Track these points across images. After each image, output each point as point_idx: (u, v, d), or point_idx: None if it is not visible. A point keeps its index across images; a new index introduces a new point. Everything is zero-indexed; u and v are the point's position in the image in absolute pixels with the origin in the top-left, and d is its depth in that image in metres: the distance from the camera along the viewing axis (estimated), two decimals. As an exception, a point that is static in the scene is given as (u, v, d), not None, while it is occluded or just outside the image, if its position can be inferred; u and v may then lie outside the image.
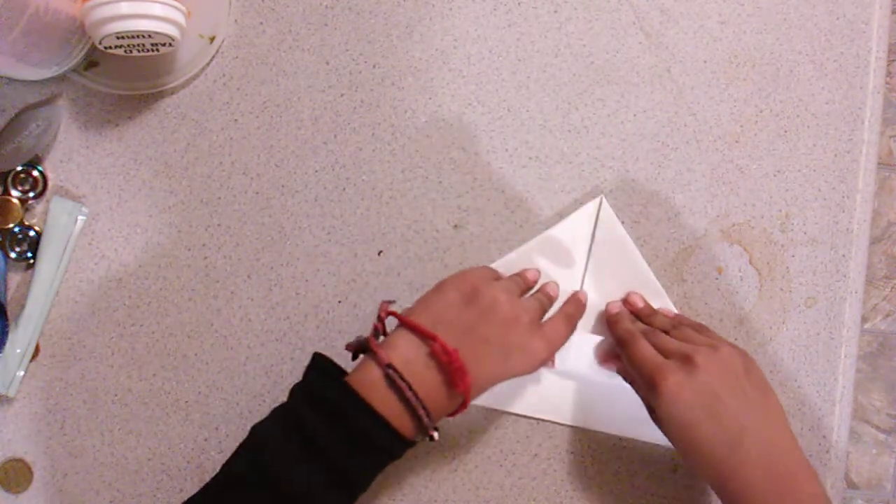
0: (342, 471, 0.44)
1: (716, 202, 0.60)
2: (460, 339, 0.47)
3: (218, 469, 0.47)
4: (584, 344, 0.58)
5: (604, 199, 0.58)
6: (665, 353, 0.50)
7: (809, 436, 0.60)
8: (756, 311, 0.60)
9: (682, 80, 0.59)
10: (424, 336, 0.46)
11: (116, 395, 0.57)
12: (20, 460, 0.56)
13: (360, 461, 0.45)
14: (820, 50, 0.60)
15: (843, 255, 0.60)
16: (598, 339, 0.58)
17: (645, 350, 0.51)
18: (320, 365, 0.48)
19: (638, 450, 0.59)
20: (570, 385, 0.58)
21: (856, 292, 0.60)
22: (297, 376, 0.57)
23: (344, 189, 0.58)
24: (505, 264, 0.57)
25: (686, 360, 0.49)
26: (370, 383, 0.45)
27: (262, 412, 0.57)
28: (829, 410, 0.60)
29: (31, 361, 0.56)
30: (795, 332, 0.60)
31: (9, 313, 0.55)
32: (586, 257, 0.58)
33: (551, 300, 0.54)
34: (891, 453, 1.46)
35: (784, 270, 0.60)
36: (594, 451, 0.59)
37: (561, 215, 0.58)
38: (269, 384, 0.57)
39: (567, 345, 0.53)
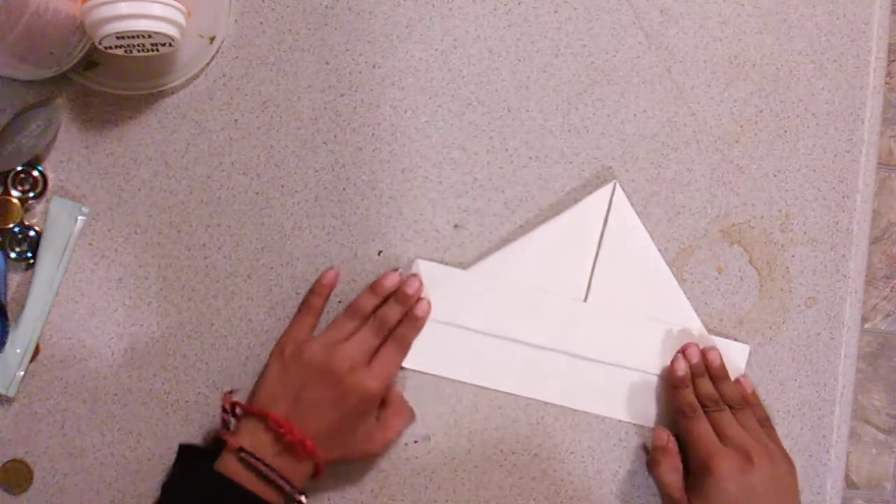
0: None
1: (716, 202, 0.60)
2: (292, 408, 0.51)
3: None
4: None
5: (617, 185, 0.58)
6: (723, 437, 0.53)
7: (809, 436, 0.60)
8: (756, 311, 0.60)
9: (682, 80, 0.59)
10: (260, 416, 0.51)
11: (116, 395, 0.57)
12: (20, 460, 0.56)
13: None
14: (820, 50, 0.60)
15: (843, 255, 0.60)
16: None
17: (706, 431, 0.54)
18: (186, 457, 0.53)
19: (638, 450, 0.59)
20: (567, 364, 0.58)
21: (856, 292, 0.60)
22: (297, 376, 0.57)
23: (344, 189, 0.58)
24: (513, 251, 0.57)
25: (745, 456, 0.52)
26: (233, 469, 0.50)
27: (262, 412, 0.57)
28: (829, 410, 0.60)
29: (31, 361, 0.56)
30: (795, 332, 0.60)
31: (9, 313, 0.55)
32: (597, 245, 0.57)
33: (390, 318, 0.55)
34: (891, 453, 1.46)
35: (784, 270, 0.60)
36: (594, 451, 0.59)
37: (561, 215, 0.58)
38: (269, 384, 0.57)
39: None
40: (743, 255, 0.60)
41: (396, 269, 0.56)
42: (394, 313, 0.55)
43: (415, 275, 0.56)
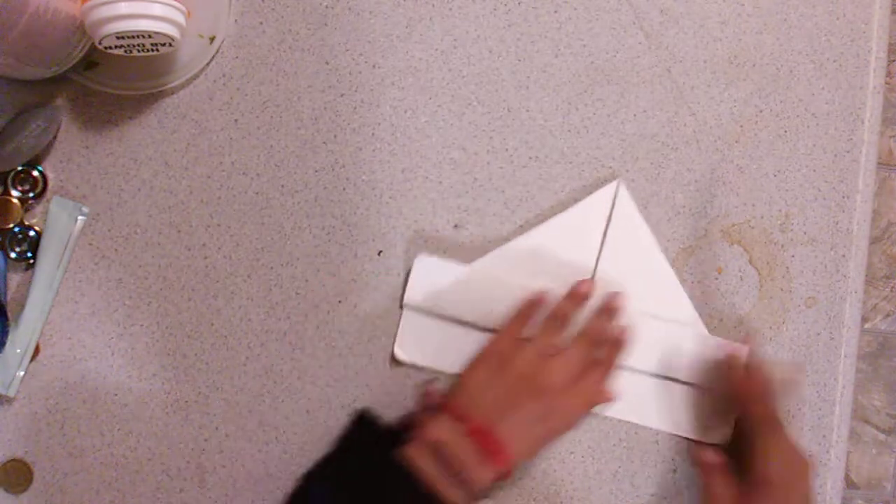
0: None
1: (716, 202, 0.60)
2: (496, 416, 0.50)
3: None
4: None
5: (621, 183, 0.58)
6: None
7: (809, 436, 0.60)
8: (756, 311, 0.60)
9: (682, 80, 0.59)
10: (462, 419, 0.50)
11: (116, 395, 0.57)
12: (20, 460, 0.56)
13: None
14: (820, 50, 0.60)
15: (843, 255, 0.60)
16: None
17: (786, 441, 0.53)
18: (365, 431, 0.53)
19: (638, 450, 0.59)
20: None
21: (856, 292, 0.60)
22: (297, 376, 0.57)
23: (344, 189, 0.58)
24: (516, 248, 0.57)
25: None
26: (422, 460, 0.48)
27: (263, 412, 0.57)
28: (829, 410, 0.60)
29: (31, 361, 0.56)
30: (795, 332, 0.60)
31: (9, 313, 0.55)
32: (600, 242, 0.58)
33: (598, 337, 0.55)
34: (891, 453, 1.46)
35: (784, 270, 0.60)
36: (594, 451, 0.59)
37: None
38: (269, 384, 0.57)
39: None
40: (743, 255, 0.60)
41: (590, 278, 0.57)
42: (602, 331, 0.55)
43: (618, 293, 0.55)
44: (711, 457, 0.54)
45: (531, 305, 0.54)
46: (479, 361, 0.53)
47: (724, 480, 0.53)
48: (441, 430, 0.49)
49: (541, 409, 0.51)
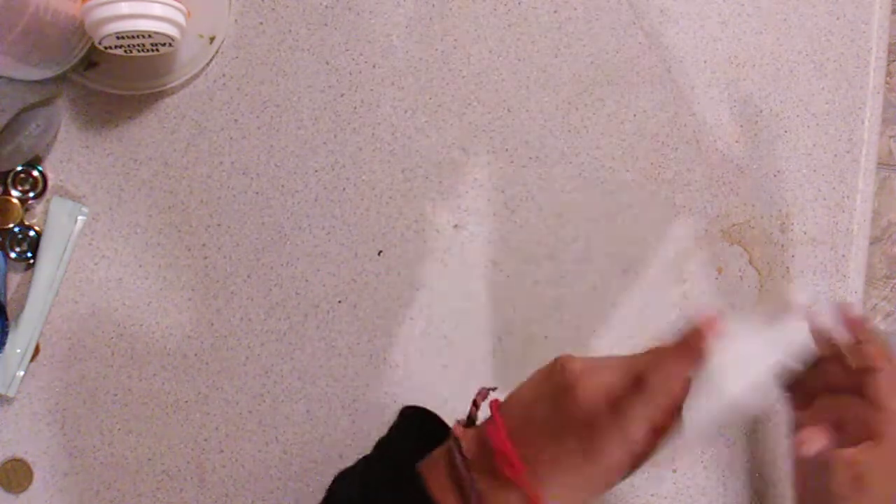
0: None
1: (716, 202, 0.60)
2: (542, 469, 0.41)
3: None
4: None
5: None
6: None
7: (809, 436, 0.60)
8: (756, 311, 0.60)
9: (682, 80, 0.59)
10: (497, 446, 0.41)
11: (116, 395, 0.57)
12: (20, 460, 0.56)
13: None
14: (820, 50, 0.60)
15: (843, 255, 0.60)
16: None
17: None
18: (408, 432, 0.49)
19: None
20: None
21: (856, 292, 0.60)
22: (297, 376, 0.57)
23: (344, 189, 0.58)
24: None
25: None
26: (438, 469, 0.43)
27: (263, 412, 0.57)
28: (829, 410, 0.60)
29: (31, 361, 0.56)
30: (795, 332, 0.60)
31: (9, 313, 0.55)
32: None
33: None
34: (891, 453, 1.46)
35: (784, 270, 0.60)
36: (594, 451, 0.58)
37: (561, 215, 0.58)
38: (269, 384, 0.57)
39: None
40: (743, 255, 0.60)
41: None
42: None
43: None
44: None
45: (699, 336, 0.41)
46: (539, 380, 0.43)
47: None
48: (469, 448, 0.42)
49: (587, 452, 0.40)
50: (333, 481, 0.48)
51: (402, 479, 0.44)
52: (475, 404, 0.46)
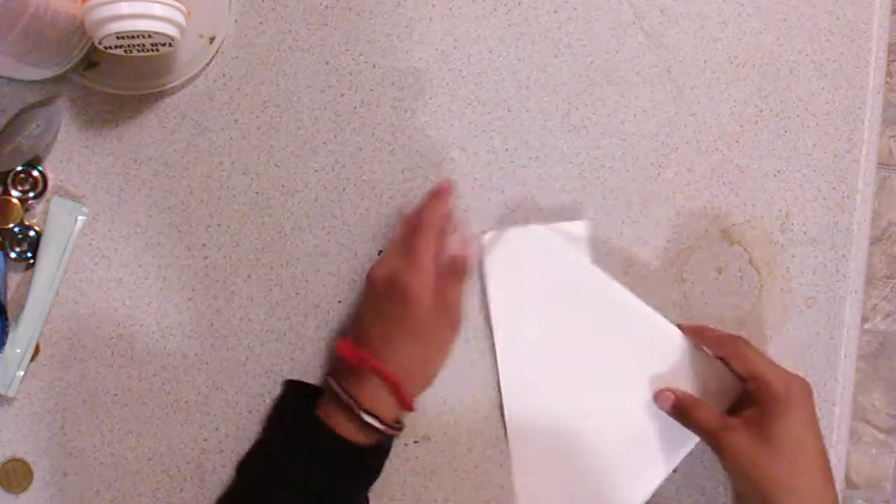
0: (309, 489, 0.50)
1: (716, 202, 0.60)
2: (364, 337, 0.51)
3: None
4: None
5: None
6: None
7: (809, 436, 0.60)
8: (756, 311, 0.60)
9: (682, 80, 0.59)
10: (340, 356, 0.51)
11: (116, 395, 0.57)
12: (20, 460, 0.56)
13: (323, 473, 0.50)
14: (820, 50, 0.60)
15: (843, 255, 0.60)
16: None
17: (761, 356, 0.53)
18: (287, 394, 0.56)
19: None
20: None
21: (856, 292, 0.60)
22: (297, 376, 0.57)
23: (344, 189, 0.58)
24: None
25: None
26: (328, 408, 0.51)
27: (263, 412, 0.57)
28: (829, 410, 0.60)
29: (31, 361, 0.56)
30: (795, 332, 0.60)
31: (9, 313, 0.55)
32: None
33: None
34: (891, 453, 1.46)
35: (784, 270, 0.60)
36: (594, 451, 0.58)
37: (561, 215, 0.58)
38: (269, 384, 0.57)
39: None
40: (743, 255, 0.60)
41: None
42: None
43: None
44: (667, 393, 0.55)
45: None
46: (367, 287, 0.54)
47: (703, 406, 0.54)
48: (335, 373, 0.52)
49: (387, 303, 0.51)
50: (235, 472, 0.55)
51: (302, 429, 0.51)
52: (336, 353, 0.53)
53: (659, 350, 0.56)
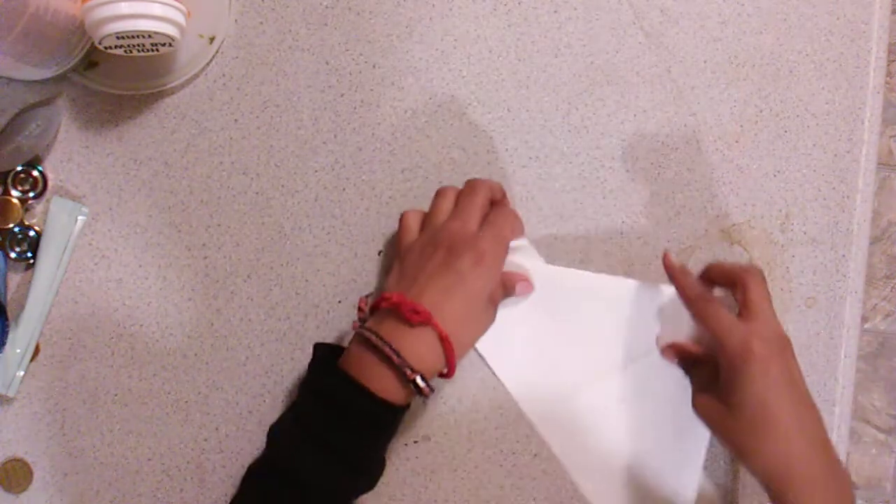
0: (336, 447, 0.47)
1: (716, 202, 0.60)
2: (404, 285, 0.49)
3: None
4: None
5: None
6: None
7: (809, 436, 0.60)
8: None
9: (682, 80, 0.59)
10: (376, 305, 0.49)
11: (116, 395, 0.57)
12: (20, 460, 0.56)
13: (351, 433, 0.47)
14: (820, 50, 0.60)
15: (843, 255, 0.60)
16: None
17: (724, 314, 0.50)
18: (318, 350, 0.52)
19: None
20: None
21: (856, 292, 0.60)
22: (297, 376, 0.57)
23: (344, 189, 0.58)
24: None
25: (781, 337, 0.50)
26: (354, 357, 0.48)
27: (263, 412, 0.57)
28: (829, 410, 0.60)
29: (31, 361, 0.56)
30: (795, 332, 0.60)
31: (9, 313, 0.55)
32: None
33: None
34: (891, 453, 1.46)
35: (784, 270, 0.60)
36: (594, 451, 0.59)
37: (561, 215, 0.58)
38: (269, 384, 0.57)
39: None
40: (743, 255, 0.60)
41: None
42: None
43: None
44: (673, 258, 0.54)
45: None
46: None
47: (693, 281, 0.53)
48: (367, 322, 0.49)
49: (446, 268, 0.48)
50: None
51: (333, 387, 0.48)
52: (360, 309, 0.51)
53: (653, 311, 0.57)
